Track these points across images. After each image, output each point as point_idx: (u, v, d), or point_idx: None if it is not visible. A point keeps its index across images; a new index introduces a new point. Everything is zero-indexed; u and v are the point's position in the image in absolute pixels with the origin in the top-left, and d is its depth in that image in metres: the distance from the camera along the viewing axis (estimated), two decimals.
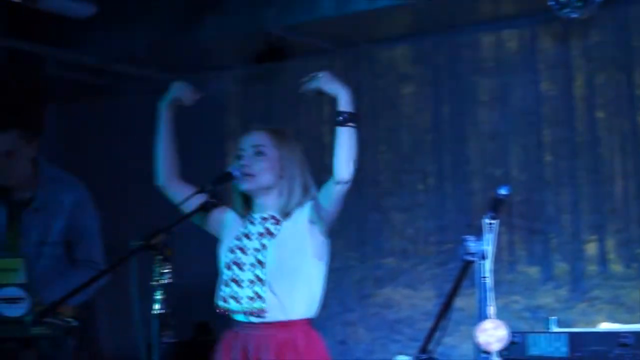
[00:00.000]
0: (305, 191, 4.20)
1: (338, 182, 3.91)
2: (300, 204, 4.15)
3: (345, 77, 6.21)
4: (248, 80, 6.78)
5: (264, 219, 4.18)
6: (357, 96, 6.16)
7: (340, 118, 3.90)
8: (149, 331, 3.68)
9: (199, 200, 3.98)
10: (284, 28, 5.97)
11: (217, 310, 4.19)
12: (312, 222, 4.08)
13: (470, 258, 3.13)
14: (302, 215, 4.11)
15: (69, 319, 4.61)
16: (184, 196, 4.08)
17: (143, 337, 3.68)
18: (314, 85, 3.94)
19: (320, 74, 3.95)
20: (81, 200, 5.17)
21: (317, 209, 4.09)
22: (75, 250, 5.12)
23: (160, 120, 4.25)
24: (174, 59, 6.73)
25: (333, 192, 3.95)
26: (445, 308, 3.26)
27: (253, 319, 4.09)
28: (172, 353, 3.92)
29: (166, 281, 3.69)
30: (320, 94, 3.98)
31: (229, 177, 4.09)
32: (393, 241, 6.17)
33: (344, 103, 3.92)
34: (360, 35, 6.32)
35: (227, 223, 4.28)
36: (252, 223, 4.20)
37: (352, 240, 6.19)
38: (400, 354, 3.53)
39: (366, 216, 6.27)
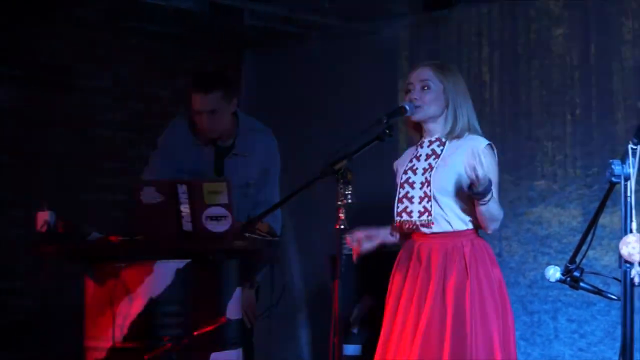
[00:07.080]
0: (469, 120, 4.21)
1: None
2: (468, 130, 4.16)
3: (502, 23, 6.21)
4: (417, 27, 6.73)
5: (431, 142, 4.23)
6: (515, 39, 6.16)
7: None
8: (332, 245, 3.73)
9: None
10: None
11: (395, 224, 4.25)
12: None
13: (615, 180, 3.07)
14: (471, 151, 4.09)
15: (265, 234, 4.68)
16: None
17: (327, 250, 3.75)
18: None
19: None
20: (271, 147, 5.27)
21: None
22: (259, 192, 5.20)
23: None
24: (352, 10, 6.71)
25: None
26: (592, 224, 3.28)
27: (424, 230, 4.15)
28: (353, 263, 3.98)
29: (347, 201, 3.74)
30: None
31: (402, 110, 4.14)
32: (544, 166, 6.08)
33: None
34: None
35: (400, 163, 4.33)
36: (421, 147, 4.26)
37: (507, 165, 6.13)
38: (549, 264, 3.51)
39: (520, 144, 6.20)
